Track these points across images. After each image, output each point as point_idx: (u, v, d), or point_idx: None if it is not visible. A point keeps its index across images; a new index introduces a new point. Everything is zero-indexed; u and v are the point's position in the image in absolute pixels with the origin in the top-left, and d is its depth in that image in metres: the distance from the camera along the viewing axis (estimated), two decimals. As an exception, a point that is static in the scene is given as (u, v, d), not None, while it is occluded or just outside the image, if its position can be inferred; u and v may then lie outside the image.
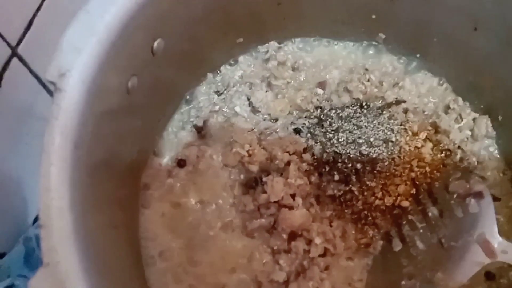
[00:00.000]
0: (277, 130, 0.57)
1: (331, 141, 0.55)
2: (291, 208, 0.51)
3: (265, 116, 0.58)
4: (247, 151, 0.54)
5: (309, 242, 0.50)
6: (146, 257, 0.51)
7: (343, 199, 0.53)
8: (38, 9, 0.54)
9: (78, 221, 0.35)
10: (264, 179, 0.52)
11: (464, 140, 0.57)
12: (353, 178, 0.53)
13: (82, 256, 0.34)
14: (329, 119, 0.56)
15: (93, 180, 0.39)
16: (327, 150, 0.54)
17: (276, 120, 0.58)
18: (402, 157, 0.54)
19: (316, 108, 0.58)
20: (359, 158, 0.53)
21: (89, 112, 0.38)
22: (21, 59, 0.54)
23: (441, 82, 0.61)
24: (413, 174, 0.54)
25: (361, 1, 0.57)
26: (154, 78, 0.49)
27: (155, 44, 0.46)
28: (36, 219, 0.60)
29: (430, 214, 0.52)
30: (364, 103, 0.58)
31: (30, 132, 0.57)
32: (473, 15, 0.52)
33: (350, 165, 0.53)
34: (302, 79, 0.60)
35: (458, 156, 0.56)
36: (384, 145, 0.54)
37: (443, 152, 0.56)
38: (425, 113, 0.59)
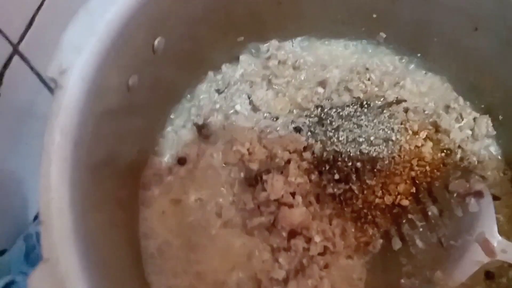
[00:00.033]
0: (278, 128, 0.57)
1: (331, 140, 0.55)
2: (291, 206, 0.51)
3: (265, 114, 0.58)
4: (248, 149, 0.54)
5: (309, 240, 0.50)
6: (146, 256, 0.51)
7: (343, 198, 0.53)
8: (39, 7, 0.54)
9: (78, 220, 0.35)
10: (264, 177, 0.51)
11: (465, 139, 0.57)
12: (353, 176, 0.53)
13: (82, 255, 0.35)
14: (330, 118, 0.56)
15: (93, 179, 0.39)
16: (327, 149, 0.54)
17: (277, 118, 0.58)
18: (402, 156, 0.54)
19: (317, 107, 0.58)
20: (359, 157, 0.53)
21: (89, 111, 0.38)
22: (22, 57, 0.54)
23: (441, 81, 0.61)
24: (413, 173, 0.54)
25: (361, 0, 0.57)
26: (154, 76, 0.49)
27: (156, 42, 0.46)
28: (36, 217, 0.61)
29: (430, 213, 0.52)
30: (364, 102, 0.58)
31: (30, 132, 0.57)
32: (473, 15, 0.52)
33: (350, 163, 0.53)
34: (302, 78, 0.60)
35: (458, 156, 0.56)
36: (384, 144, 0.54)
37: (444, 151, 0.56)
38: (426, 112, 0.58)
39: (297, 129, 0.57)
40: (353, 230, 0.53)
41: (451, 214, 0.52)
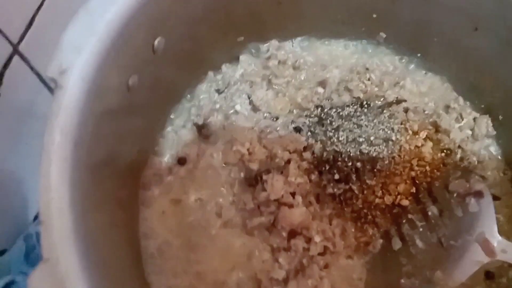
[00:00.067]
0: (278, 128, 0.57)
1: (331, 140, 0.55)
2: (291, 206, 0.50)
3: (265, 114, 0.58)
4: (247, 149, 0.54)
5: (309, 240, 0.50)
6: (146, 256, 0.51)
7: (343, 198, 0.53)
8: (39, 7, 0.54)
9: (78, 221, 0.35)
10: (264, 177, 0.51)
11: (465, 139, 0.57)
12: (353, 176, 0.53)
13: (82, 255, 0.35)
14: (330, 118, 0.56)
15: (93, 179, 0.39)
16: (327, 149, 0.54)
17: (277, 118, 0.58)
18: (402, 156, 0.54)
19: (317, 107, 0.58)
20: (359, 156, 0.53)
21: (89, 111, 0.38)
22: (22, 57, 0.54)
23: (441, 81, 0.61)
24: (413, 173, 0.54)
25: (361, 0, 0.57)
26: (154, 76, 0.49)
27: (156, 42, 0.46)
28: (36, 217, 0.61)
29: (430, 213, 0.52)
30: (364, 102, 0.58)
31: (30, 132, 0.57)
32: (473, 15, 0.52)
33: (350, 163, 0.53)
34: (302, 78, 0.60)
35: (458, 156, 0.56)
36: (384, 144, 0.54)
37: (443, 151, 0.56)
38: (426, 112, 0.58)
39: (297, 129, 0.57)
40: (353, 230, 0.53)
41: (451, 214, 0.52)
